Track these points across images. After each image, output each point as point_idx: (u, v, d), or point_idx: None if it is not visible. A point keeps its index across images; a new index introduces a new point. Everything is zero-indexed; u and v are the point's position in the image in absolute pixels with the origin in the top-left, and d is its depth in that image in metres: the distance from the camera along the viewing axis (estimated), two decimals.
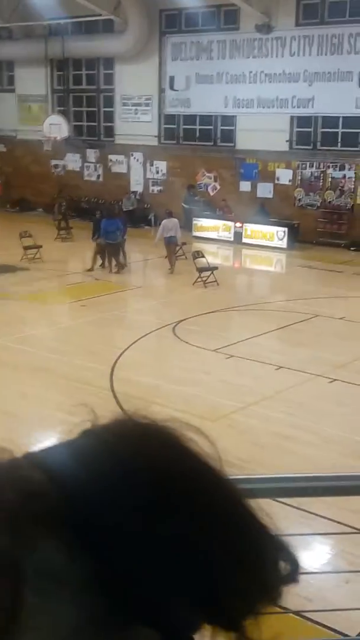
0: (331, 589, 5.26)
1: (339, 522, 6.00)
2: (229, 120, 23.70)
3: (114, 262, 17.65)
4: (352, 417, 8.96)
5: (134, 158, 26.11)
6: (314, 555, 5.94)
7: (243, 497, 0.68)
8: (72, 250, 20.84)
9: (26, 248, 18.41)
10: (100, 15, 24.30)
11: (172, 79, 24.54)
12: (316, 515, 6.13)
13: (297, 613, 4.36)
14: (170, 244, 17.84)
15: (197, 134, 24.66)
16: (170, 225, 17.93)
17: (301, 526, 6.19)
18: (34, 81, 27.35)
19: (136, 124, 25.55)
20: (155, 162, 25.62)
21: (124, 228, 18.02)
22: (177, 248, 18.23)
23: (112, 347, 11.72)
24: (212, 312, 13.99)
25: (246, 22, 22.33)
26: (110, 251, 17.63)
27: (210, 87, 23.61)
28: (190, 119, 24.67)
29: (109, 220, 17.84)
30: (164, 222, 18.22)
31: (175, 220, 18.31)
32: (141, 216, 24.96)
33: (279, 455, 7.73)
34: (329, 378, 10.32)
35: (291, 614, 4.58)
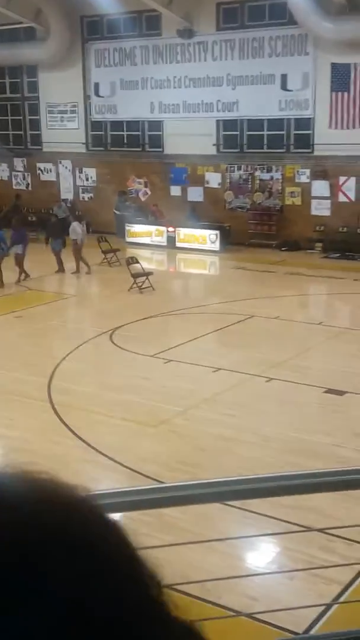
0: (276, 586, 5.33)
1: (283, 520, 6.09)
2: (156, 125, 23.79)
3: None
4: (290, 415, 9.12)
5: (63, 166, 25.92)
6: (257, 554, 6.01)
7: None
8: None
9: None
10: (21, 23, 24.06)
11: (97, 85, 24.49)
12: (260, 514, 6.21)
13: (249, 615, 4.41)
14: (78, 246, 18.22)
15: (125, 139, 24.67)
16: (71, 229, 18.48)
17: (246, 527, 6.27)
18: None
19: (63, 132, 25.38)
20: (84, 169, 25.49)
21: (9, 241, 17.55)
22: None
23: (49, 357, 11.60)
24: (149, 317, 14.01)
25: (168, 27, 22.46)
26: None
27: (135, 93, 23.65)
28: (117, 125, 24.65)
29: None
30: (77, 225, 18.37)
31: (76, 223, 18.68)
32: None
33: (220, 457, 7.79)
34: (266, 377, 10.46)
35: (243, 617, 4.64)
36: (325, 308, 16.47)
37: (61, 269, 18.36)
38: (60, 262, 18.34)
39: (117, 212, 23.63)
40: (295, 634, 4.51)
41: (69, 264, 18.43)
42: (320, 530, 5.80)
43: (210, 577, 5.11)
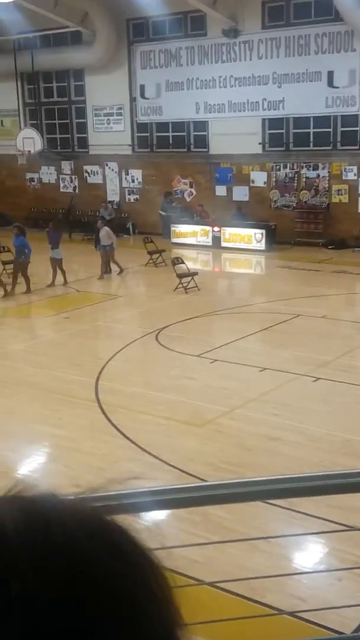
0: (324, 587, 5.29)
1: (328, 520, 6.04)
2: (201, 125, 23.81)
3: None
4: (337, 415, 9.03)
5: (109, 168, 26.15)
6: (305, 555, 5.98)
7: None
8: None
9: (4, 263, 18.33)
10: (68, 27, 24.35)
11: (142, 87, 24.64)
12: (306, 514, 6.18)
13: (291, 614, 4.40)
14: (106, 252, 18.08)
15: (171, 140, 24.75)
16: (103, 234, 18.18)
17: (292, 526, 6.24)
18: (5, 96, 27.30)
19: (109, 134, 25.60)
20: (130, 170, 25.67)
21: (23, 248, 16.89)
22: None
23: (96, 358, 11.72)
24: (194, 317, 14.03)
25: (213, 27, 22.47)
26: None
27: (181, 94, 23.72)
28: (163, 126, 24.76)
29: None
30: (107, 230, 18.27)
31: (107, 228, 18.34)
32: (120, 225, 24.99)
33: (266, 457, 7.76)
34: (313, 377, 10.38)
35: (285, 615, 4.63)
36: None
37: (108, 271, 18.46)
38: (108, 264, 18.44)
39: (162, 213, 23.74)
40: (341, 634, 4.48)
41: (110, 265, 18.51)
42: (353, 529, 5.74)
43: (256, 576, 5.11)
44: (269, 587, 5.19)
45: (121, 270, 18.54)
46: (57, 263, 17.24)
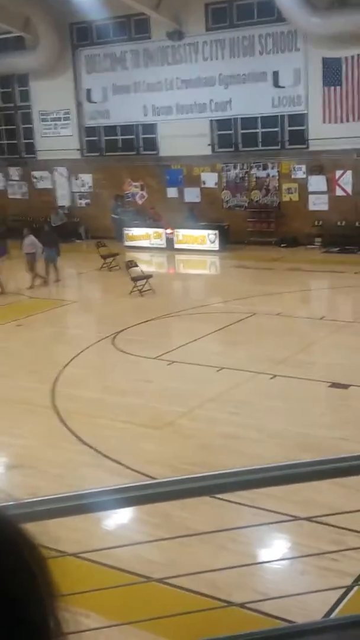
0: (287, 581, 5.30)
1: (290, 515, 6.05)
2: (150, 128, 23.80)
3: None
4: (295, 411, 9.07)
5: (58, 173, 25.94)
6: (268, 550, 5.98)
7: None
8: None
9: None
10: (10, 32, 24.10)
11: (88, 91, 24.52)
12: (268, 510, 6.17)
13: (242, 605, 4.37)
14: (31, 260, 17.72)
15: (120, 144, 24.68)
16: (27, 242, 17.68)
17: (254, 523, 6.22)
18: None
19: (57, 139, 25.41)
20: (80, 175, 25.51)
21: None
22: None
23: (52, 364, 11.57)
24: (151, 320, 13.98)
25: (157, 30, 22.48)
26: None
27: (128, 97, 23.67)
28: (111, 130, 24.67)
29: None
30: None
31: (31, 237, 17.88)
32: (71, 230, 24.82)
33: (226, 455, 7.75)
34: (270, 374, 10.42)
35: (245, 610, 4.60)
36: (327, 302, 16.43)
37: (56, 278, 18.16)
38: (55, 271, 18.15)
39: (114, 217, 23.64)
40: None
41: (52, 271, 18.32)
42: (310, 518, 5.76)
43: (221, 575, 5.08)
44: (234, 585, 5.17)
45: (44, 281, 17.90)
46: None
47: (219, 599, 4.93)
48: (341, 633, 1.93)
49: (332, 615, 4.71)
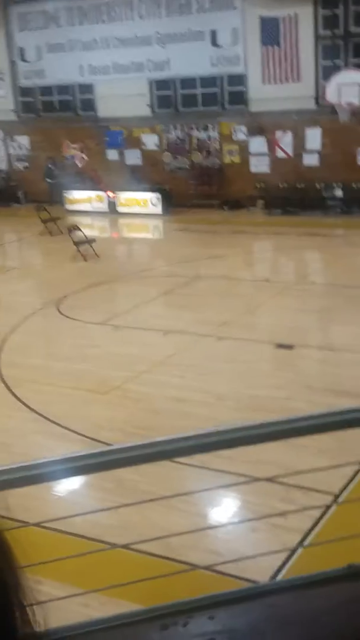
0: (239, 539, 5.41)
1: (240, 474, 6.15)
2: (87, 88, 23.29)
3: None
4: (242, 372, 9.19)
5: None
6: (219, 510, 6.08)
7: None
8: None
9: None
10: None
11: (22, 50, 23.79)
12: (217, 470, 6.27)
13: (208, 568, 4.46)
14: None
15: (57, 105, 24.10)
16: None
17: (205, 483, 6.33)
18: None
19: None
20: (16, 137, 24.87)
21: None
22: None
23: None
24: (95, 285, 13.88)
25: None
26: None
27: (63, 56, 23.07)
28: (47, 90, 24.04)
29: None
30: None
31: None
32: (9, 194, 24.28)
33: (175, 418, 7.82)
34: (216, 337, 10.51)
35: (202, 570, 4.70)
36: (270, 264, 16.57)
37: None
38: None
39: (49, 181, 23.19)
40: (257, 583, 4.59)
41: None
42: (272, 478, 5.89)
43: (174, 535, 5.15)
44: (187, 545, 5.25)
45: None
46: None
47: (174, 560, 5.01)
48: (299, 593, 1.99)
49: (282, 572, 4.84)
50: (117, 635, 1.74)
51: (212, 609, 1.95)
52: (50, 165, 23.34)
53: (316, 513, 5.67)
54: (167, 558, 5.06)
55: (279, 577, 4.71)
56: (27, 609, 0.63)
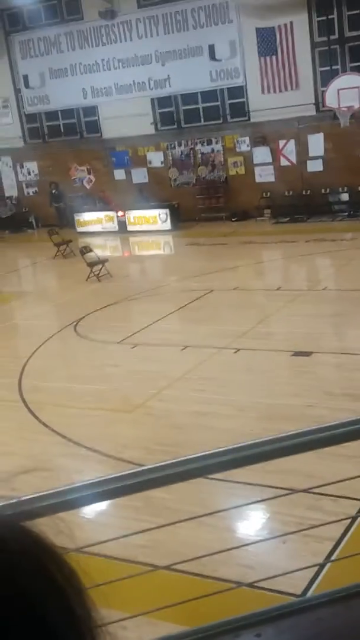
0: (269, 552, 5.45)
1: (266, 486, 6.20)
2: (91, 110, 23.58)
3: None
4: (261, 382, 9.23)
5: (3, 162, 25.56)
6: (247, 524, 6.13)
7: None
8: None
9: None
10: None
11: (25, 77, 24.13)
12: (243, 483, 6.31)
13: (239, 584, 4.50)
14: None
15: (62, 129, 24.39)
16: None
17: (233, 497, 6.37)
18: None
19: None
20: (25, 163, 25.18)
21: None
22: None
23: (15, 357, 11.53)
24: (110, 304, 14.00)
25: (89, 10, 22.20)
26: None
27: (66, 81, 23.38)
28: (52, 115, 24.36)
29: None
30: None
31: None
32: (21, 220, 24.55)
33: (199, 433, 7.87)
34: (233, 348, 10.57)
35: (240, 587, 4.74)
36: (282, 273, 16.63)
37: None
38: None
39: (56, 205, 23.52)
40: (295, 596, 4.63)
41: None
42: (305, 490, 5.93)
43: (204, 553, 5.20)
44: (218, 561, 5.30)
45: None
46: None
47: (207, 576, 5.06)
48: (346, 604, 2.01)
49: (316, 583, 4.88)
50: None
51: (259, 626, 1.96)
52: (54, 191, 23.58)
53: (347, 520, 5.70)
54: (199, 575, 5.11)
55: (311, 591, 4.75)
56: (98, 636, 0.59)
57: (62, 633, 0.55)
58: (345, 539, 5.51)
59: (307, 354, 10.08)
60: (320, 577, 4.96)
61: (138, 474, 2.86)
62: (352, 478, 3.84)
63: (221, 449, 2.93)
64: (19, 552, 0.56)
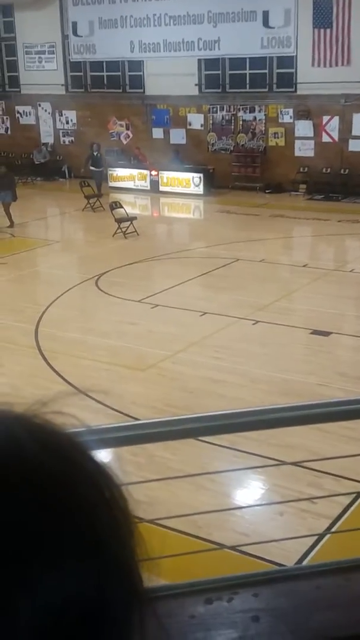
0: (266, 522, 5.49)
1: (269, 457, 6.22)
2: (136, 65, 23.26)
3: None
4: (276, 356, 9.22)
5: (42, 108, 25.40)
6: (248, 491, 6.16)
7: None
8: None
9: None
10: None
11: (74, 24, 23.81)
12: (248, 453, 6.34)
13: (233, 548, 4.54)
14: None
15: (105, 80, 24.13)
16: None
17: (235, 465, 6.42)
18: None
19: (42, 73, 24.78)
20: (64, 112, 25.00)
21: None
22: None
23: (35, 304, 11.59)
24: (134, 262, 13.97)
25: None
26: None
27: (114, 32, 23.04)
28: (97, 65, 24.08)
29: None
30: None
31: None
32: (54, 168, 24.46)
33: (209, 399, 7.90)
34: (252, 320, 10.54)
35: (227, 550, 4.79)
36: (310, 250, 16.49)
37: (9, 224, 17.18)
38: (8, 216, 17.19)
39: (93, 169, 21.27)
40: (282, 566, 4.67)
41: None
42: (294, 463, 5.94)
43: (202, 515, 5.25)
44: (214, 525, 5.35)
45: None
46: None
47: (200, 538, 5.11)
48: (347, 576, 2.03)
49: (309, 557, 4.91)
50: (160, 605, 1.77)
51: (257, 586, 1.98)
52: (96, 153, 21.61)
53: (345, 500, 5.72)
54: (194, 536, 5.16)
55: (307, 562, 4.78)
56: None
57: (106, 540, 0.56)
58: (343, 518, 5.53)
59: (325, 333, 10.03)
60: (313, 552, 4.99)
61: (131, 427, 2.86)
62: (352, 456, 3.82)
63: (220, 413, 2.92)
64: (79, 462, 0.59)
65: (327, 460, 5.77)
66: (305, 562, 4.72)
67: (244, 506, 5.71)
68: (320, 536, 5.03)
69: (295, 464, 6.04)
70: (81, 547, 0.54)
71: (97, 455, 0.62)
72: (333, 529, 5.31)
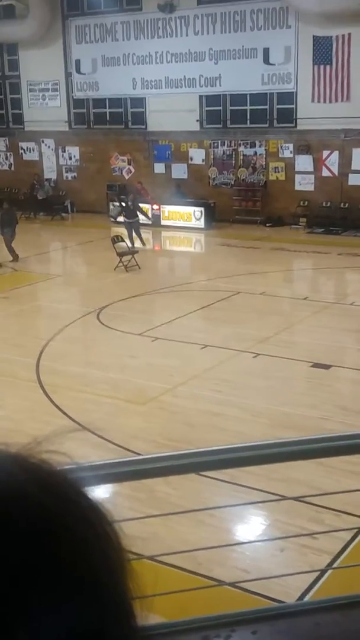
0: (267, 558, 5.43)
1: (270, 492, 6.18)
2: (138, 102, 23.61)
3: None
4: (277, 389, 9.20)
5: (45, 145, 25.72)
6: (248, 527, 6.10)
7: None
8: None
9: None
10: (1, 1, 23.71)
11: (78, 62, 24.24)
12: (248, 487, 6.30)
13: (233, 584, 4.49)
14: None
15: (108, 117, 24.47)
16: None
17: (236, 500, 6.36)
18: None
19: (45, 110, 25.14)
20: (67, 147, 25.31)
21: None
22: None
23: (36, 338, 11.60)
24: (136, 296, 14.02)
25: (149, 2, 22.22)
26: None
27: (117, 69, 23.44)
28: (99, 102, 24.45)
29: None
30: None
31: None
32: (57, 203, 24.67)
33: (210, 432, 7.86)
34: (253, 353, 10.53)
35: (226, 586, 4.73)
36: (310, 283, 16.54)
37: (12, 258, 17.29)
38: (12, 251, 17.28)
39: (128, 220, 18.75)
40: (281, 602, 4.60)
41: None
42: (297, 498, 5.89)
43: (202, 551, 5.20)
44: (214, 560, 5.29)
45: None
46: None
47: (200, 574, 5.05)
48: (345, 612, 2.00)
49: (310, 594, 4.84)
50: None
51: (256, 623, 1.95)
52: (129, 203, 19.24)
53: (346, 535, 5.66)
54: (194, 572, 5.10)
55: (306, 599, 4.72)
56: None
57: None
58: (344, 554, 5.47)
59: (326, 366, 10.02)
60: (314, 589, 4.92)
61: (134, 462, 2.85)
62: (353, 491, 3.80)
63: (224, 447, 2.91)
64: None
65: (329, 495, 5.73)
66: (306, 599, 4.66)
67: (245, 542, 5.66)
68: (322, 572, 4.97)
69: (296, 499, 6.00)
70: (77, 580, 0.56)
71: (92, 492, 0.63)
72: (334, 565, 5.25)
